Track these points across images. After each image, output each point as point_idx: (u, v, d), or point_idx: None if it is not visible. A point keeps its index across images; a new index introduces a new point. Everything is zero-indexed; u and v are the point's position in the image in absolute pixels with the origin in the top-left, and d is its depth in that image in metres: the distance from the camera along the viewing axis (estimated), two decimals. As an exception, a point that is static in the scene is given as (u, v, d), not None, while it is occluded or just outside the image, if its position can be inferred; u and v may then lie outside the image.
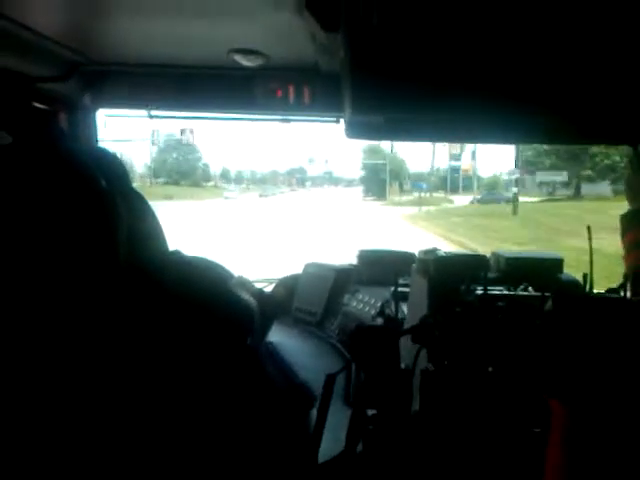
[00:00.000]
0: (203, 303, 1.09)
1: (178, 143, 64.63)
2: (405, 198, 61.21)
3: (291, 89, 2.23)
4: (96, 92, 2.31)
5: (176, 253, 1.17)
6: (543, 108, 1.15)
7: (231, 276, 1.37)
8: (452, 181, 68.57)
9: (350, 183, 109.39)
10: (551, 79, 1.12)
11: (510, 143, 1.98)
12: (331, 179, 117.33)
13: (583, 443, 1.15)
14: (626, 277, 1.55)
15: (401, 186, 73.25)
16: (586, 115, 1.22)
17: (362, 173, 74.43)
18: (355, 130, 1.39)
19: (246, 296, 1.30)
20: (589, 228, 1.55)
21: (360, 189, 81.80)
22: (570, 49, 1.10)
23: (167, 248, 1.11)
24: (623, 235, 1.91)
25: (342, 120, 2.19)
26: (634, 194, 1.93)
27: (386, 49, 1.11)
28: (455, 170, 66.74)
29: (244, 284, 1.45)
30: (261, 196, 73.56)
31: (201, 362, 1.04)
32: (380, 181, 67.05)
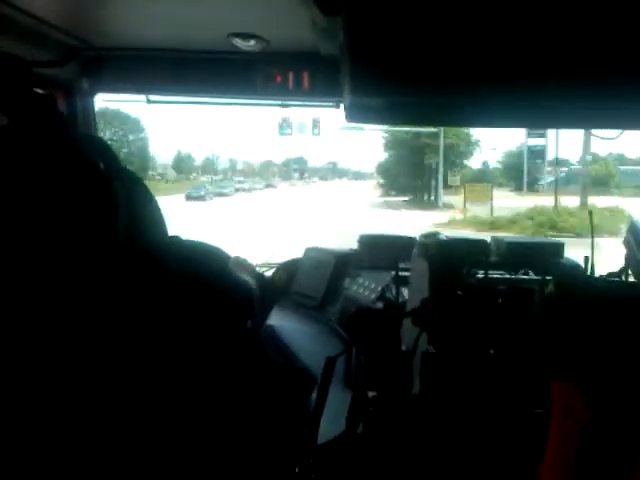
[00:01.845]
0: (203, 285, 1.09)
1: (115, 116, 41.44)
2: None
3: (290, 74, 2.22)
4: (94, 77, 2.30)
5: (175, 238, 1.17)
6: (545, 90, 1.15)
7: (229, 258, 1.38)
8: (530, 171, 38.96)
9: (358, 176, 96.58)
10: (550, 59, 1.11)
11: (512, 126, 1.97)
12: (335, 171, 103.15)
13: (584, 422, 1.16)
14: (627, 261, 1.55)
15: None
16: (586, 99, 1.22)
17: (383, 158, 47.91)
18: (355, 114, 1.38)
19: (245, 277, 1.30)
20: (590, 213, 1.55)
21: (372, 183, 63.16)
22: (565, 25, 1.10)
23: (167, 232, 1.11)
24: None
25: (342, 105, 2.19)
26: None
27: (386, 33, 1.11)
28: (536, 153, 34.26)
29: (242, 264, 1.45)
30: (197, 199, 38.38)
31: (202, 344, 1.04)
32: (416, 169, 38.41)
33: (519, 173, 41.02)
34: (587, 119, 1.38)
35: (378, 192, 51.20)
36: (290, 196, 44.35)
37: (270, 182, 67.59)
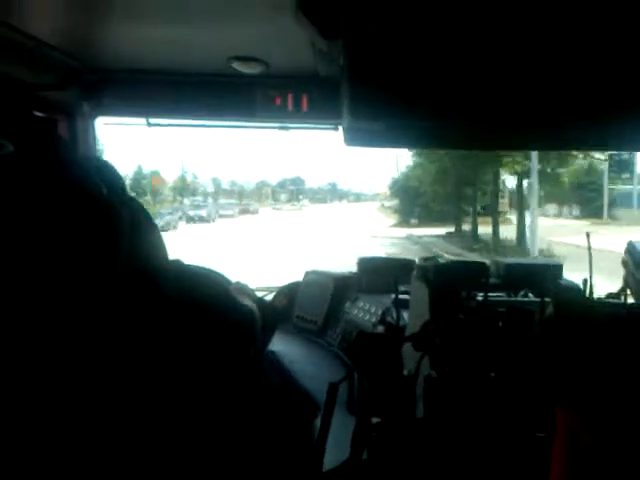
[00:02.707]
0: (205, 310, 1.08)
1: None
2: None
3: (290, 96, 2.23)
4: (95, 100, 2.30)
5: (176, 262, 1.16)
6: (543, 113, 1.15)
7: (229, 282, 1.37)
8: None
9: (358, 197, 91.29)
10: (549, 84, 1.12)
11: (513, 149, 1.98)
12: (334, 192, 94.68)
13: (587, 447, 1.14)
14: (626, 281, 1.55)
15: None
16: (587, 123, 1.22)
17: (400, 173, 35.75)
18: (354, 137, 1.38)
19: (247, 302, 1.29)
20: (588, 235, 1.55)
21: (376, 206, 60.20)
22: (566, 58, 1.10)
23: (167, 257, 1.11)
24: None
25: (341, 128, 2.19)
26: None
27: (385, 57, 1.11)
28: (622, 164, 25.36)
29: (243, 290, 1.44)
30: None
31: (203, 370, 1.03)
32: (461, 189, 26.53)
33: (591, 192, 30.09)
34: (596, 139, 1.38)
35: (390, 219, 39.47)
36: (269, 226, 33.49)
37: (247, 206, 55.18)
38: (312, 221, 38.28)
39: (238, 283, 1.47)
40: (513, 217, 26.15)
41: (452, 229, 28.52)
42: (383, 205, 58.31)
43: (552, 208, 35.96)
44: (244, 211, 51.10)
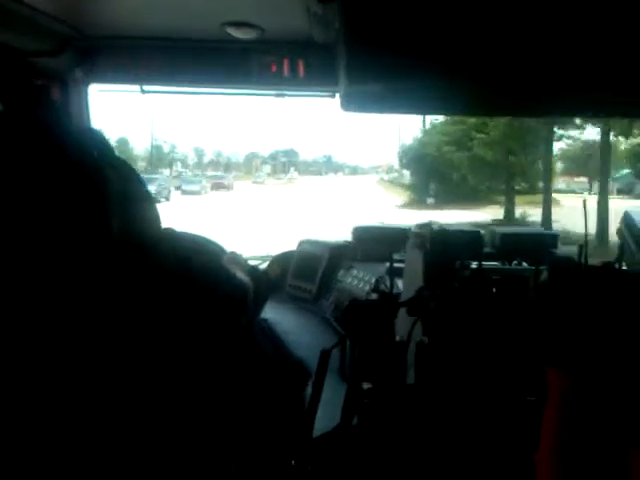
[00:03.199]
0: (198, 281, 1.08)
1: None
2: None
3: (285, 62, 2.20)
4: (88, 67, 2.28)
5: (169, 230, 1.16)
6: (544, 78, 1.14)
7: (223, 252, 1.37)
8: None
9: (355, 170, 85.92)
10: (555, 44, 1.11)
11: (517, 115, 1.97)
12: (330, 164, 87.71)
13: (579, 410, 1.15)
14: (621, 250, 1.55)
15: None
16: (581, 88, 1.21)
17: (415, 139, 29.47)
18: (351, 102, 1.37)
19: (239, 273, 1.29)
20: (584, 202, 1.55)
21: (374, 179, 55.45)
22: (562, 18, 1.09)
23: (160, 225, 1.10)
24: None
25: (338, 94, 2.18)
26: None
27: (381, 18, 1.10)
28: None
29: (236, 260, 1.44)
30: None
31: (196, 338, 1.03)
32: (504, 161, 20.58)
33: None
34: (590, 104, 1.37)
35: (399, 198, 31.90)
36: (246, 206, 26.66)
37: (221, 180, 43.68)
38: (302, 200, 29.94)
39: (233, 253, 1.47)
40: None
41: (492, 213, 21.82)
42: (382, 179, 55.39)
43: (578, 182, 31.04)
44: (218, 186, 40.86)
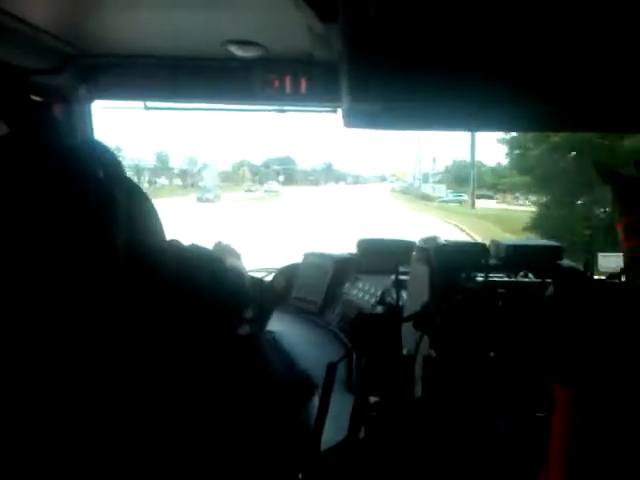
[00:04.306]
0: (200, 294, 1.09)
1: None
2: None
3: (288, 79, 2.22)
4: (91, 84, 2.30)
5: (174, 242, 1.17)
6: (544, 95, 1.15)
7: (224, 262, 1.37)
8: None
9: (357, 179, 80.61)
10: (550, 65, 1.12)
11: (511, 130, 1.97)
12: (330, 173, 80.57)
13: (586, 425, 1.15)
14: (626, 264, 1.56)
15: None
16: (588, 103, 1.22)
17: None
18: (353, 119, 1.38)
19: (236, 262, 1.30)
20: (589, 219, 1.56)
21: (383, 189, 54.70)
22: (571, 34, 1.10)
23: (164, 234, 1.11)
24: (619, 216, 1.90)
25: (339, 110, 2.19)
26: None
27: (383, 39, 1.11)
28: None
29: (226, 249, 1.45)
30: None
31: (197, 350, 1.04)
32: None
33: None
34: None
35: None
36: None
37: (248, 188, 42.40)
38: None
39: (220, 243, 1.48)
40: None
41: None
42: (393, 189, 53.28)
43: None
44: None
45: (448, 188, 51.19)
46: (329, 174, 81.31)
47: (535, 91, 1.15)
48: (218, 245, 1.45)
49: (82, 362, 0.91)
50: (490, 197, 44.67)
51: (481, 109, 1.27)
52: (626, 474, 1.15)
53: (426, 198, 44.70)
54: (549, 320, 1.28)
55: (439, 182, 55.79)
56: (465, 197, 42.71)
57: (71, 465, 0.89)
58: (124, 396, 0.93)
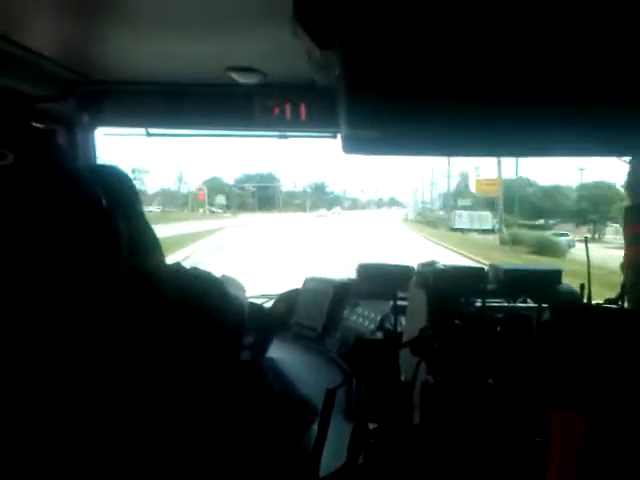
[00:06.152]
0: (197, 309, 1.10)
1: None
2: None
3: (288, 106, 2.25)
4: (94, 111, 2.33)
5: (175, 266, 1.18)
6: (541, 121, 1.16)
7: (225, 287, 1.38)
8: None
9: (355, 203, 70.92)
10: (548, 92, 1.13)
11: (512, 156, 1.98)
12: (321, 195, 69.34)
13: (584, 452, 1.15)
14: (623, 287, 1.56)
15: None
16: (586, 128, 1.23)
17: None
18: (352, 145, 1.39)
19: (239, 294, 1.31)
20: (586, 239, 1.57)
21: (393, 216, 46.51)
22: (567, 63, 1.11)
23: (164, 259, 1.12)
24: (625, 227, 1.92)
25: (339, 136, 2.21)
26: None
27: (381, 66, 1.13)
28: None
29: (231, 282, 1.46)
30: None
31: (199, 375, 1.04)
32: None
33: None
34: (598, 146, 1.38)
35: None
36: None
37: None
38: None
39: (224, 276, 1.49)
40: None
41: None
42: (407, 218, 42.94)
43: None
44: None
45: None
46: (320, 197, 70.17)
47: (535, 115, 1.16)
48: (222, 278, 1.47)
49: (83, 385, 0.91)
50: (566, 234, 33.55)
51: (479, 134, 1.28)
52: None
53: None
54: (547, 346, 1.28)
55: (472, 207, 44.36)
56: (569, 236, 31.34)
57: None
58: (123, 416, 0.93)
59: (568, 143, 1.34)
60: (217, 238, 28.65)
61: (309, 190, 69.76)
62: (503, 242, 28.15)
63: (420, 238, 29.92)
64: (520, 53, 1.11)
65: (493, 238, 32.39)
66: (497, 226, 35.81)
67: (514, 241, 27.68)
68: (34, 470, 0.88)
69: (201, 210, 48.56)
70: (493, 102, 1.14)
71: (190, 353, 1.04)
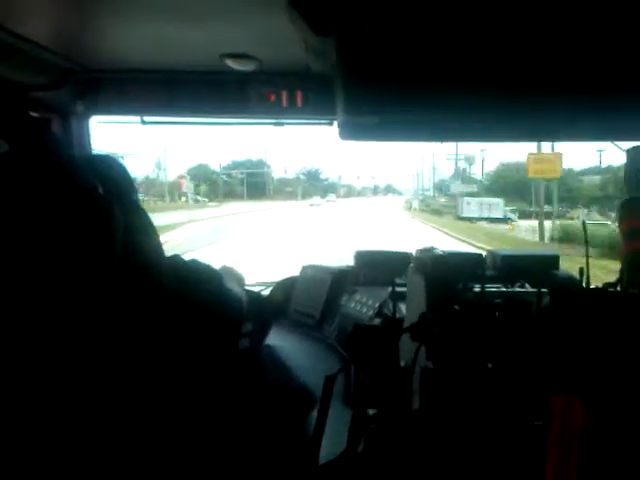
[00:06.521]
0: (195, 299, 1.10)
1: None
2: None
3: (284, 93, 2.23)
4: (89, 99, 2.31)
5: (174, 257, 1.18)
6: (535, 106, 1.16)
7: (222, 278, 1.38)
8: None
9: (350, 190, 67.99)
10: (541, 78, 1.13)
11: (506, 140, 1.98)
12: (315, 182, 65.49)
13: (584, 435, 1.16)
14: (622, 272, 1.56)
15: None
16: (579, 112, 1.23)
17: None
18: (349, 132, 1.39)
19: (236, 287, 1.30)
20: (584, 223, 1.57)
21: (394, 203, 45.08)
22: (560, 50, 1.11)
23: (161, 247, 1.12)
24: (620, 222, 1.93)
25: (335, 123, 2.20)
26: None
27: (377, 52, 1.12)
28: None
29: (230, 272, 1.45)
30: None
31: (198, 364, 1.04)
32: None
33: None
34: (587, 131, 1.38)
35: None
36: None
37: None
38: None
39: (224, 267, 1.49)
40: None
41: None
42: (411, 206, 39.89)
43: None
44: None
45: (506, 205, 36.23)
46: (315, 183, 66.48)
47: (528, 100, 1.15)
48: (222, 268, 1.46)
49: (81, 374, 0.91)
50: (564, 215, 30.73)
51: (475, 120, 1.28)
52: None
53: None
54: (546, 330, 1.28)
55: (478, 193, 40.24)
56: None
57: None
58: (123, 408, 0.93)
59: (565, 128, 1.34)
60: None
61: (302, 177, 66.38)
62: (554, 239, 21.69)
63: (442, 235, 24.74)
64: (515, 40, 1.11)
65: (527, 230, 26.07)
66: (510, 215, 33.21)
67: (563, 238, 20.63)
68: (31, 462, 0.88)
69: (183, 199, 46.04)
70: (488, 87, 1.14)
71: (189, 343, 1.04)
